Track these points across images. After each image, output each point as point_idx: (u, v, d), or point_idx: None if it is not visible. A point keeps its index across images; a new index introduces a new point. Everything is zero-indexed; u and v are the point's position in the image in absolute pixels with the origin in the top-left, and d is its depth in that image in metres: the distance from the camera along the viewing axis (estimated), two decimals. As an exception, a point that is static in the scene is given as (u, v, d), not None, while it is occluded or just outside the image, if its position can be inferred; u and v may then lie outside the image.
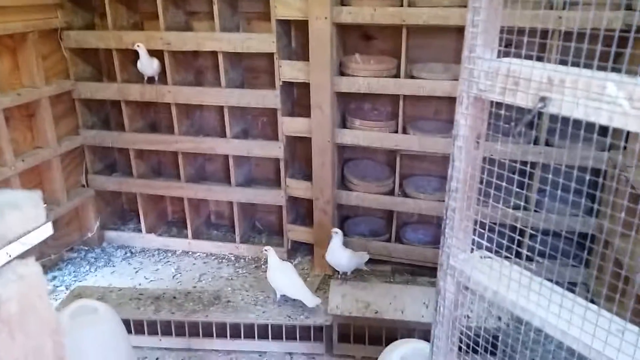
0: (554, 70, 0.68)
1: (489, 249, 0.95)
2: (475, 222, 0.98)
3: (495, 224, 0.93)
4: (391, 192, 2.60)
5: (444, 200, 2.36)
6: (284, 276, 2.17)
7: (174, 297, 2.25)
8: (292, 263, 2.77)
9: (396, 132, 2.46)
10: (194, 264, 2.85)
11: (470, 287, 0.88)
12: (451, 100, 2.46)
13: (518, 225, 1.11)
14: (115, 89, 2.71)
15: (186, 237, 2.96)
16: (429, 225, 2.76)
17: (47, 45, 2.57)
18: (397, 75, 2.39)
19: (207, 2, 2.57)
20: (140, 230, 3.02)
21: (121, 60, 2.69)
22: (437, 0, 2.20)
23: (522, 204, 2.26)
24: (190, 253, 2.94)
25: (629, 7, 1.90)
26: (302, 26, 2.44)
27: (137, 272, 2.76)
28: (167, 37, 2.55)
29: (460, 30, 2.38)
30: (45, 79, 2.52)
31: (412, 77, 2.37)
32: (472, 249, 0.94)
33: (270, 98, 2.53)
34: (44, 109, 2.52)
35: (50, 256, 2.75)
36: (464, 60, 0.80)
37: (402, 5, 2.22)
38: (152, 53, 2.64)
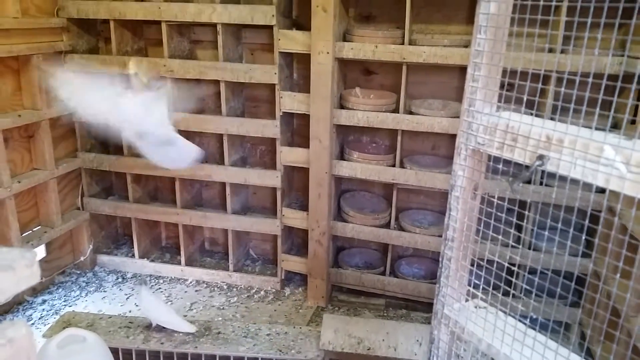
0: (553, 128, 0.69)
1: (481, 288, 0.95)
2: (472, 263, 0.98)
3: (484, 261, 0.93)
4: (387, 225, 2.59)
5: (439, 235, 2.35)
6: (156, 306, 2.16)
7: (164, 327, 2.22)
8: (284, 293, 2.76)
9: (393, 165, 2.47)
10: (185, 291, 2.82)
11: (464, 338, 0.87)
12: (449, 137, 2.49)
13: (505, 265, 1.11)
14: (116, 113, 2.72)
15: (179, 263, 2.93)
16: (424, 260, 2.75)
17: (50, 68, 2.59)
18: (396, 110, 2.41)
19: (211, 31, 2.61)
20: (133, 255, 3.00)
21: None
22: (437, 40, 2.24)
23: (511, 243, 2.26)
24: (182, 280, 2.91)
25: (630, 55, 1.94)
26: (304, 59, 2.47)
27: (128, 298, 2.72)
28: (170, 65, 2.57)
29: (459, 69, 2.43)
30: (47, 101, 2.54)
31: (411, 112, 2.39)
32: (467, 298, 0.93)
33: (270, 128, 2.55)
34: (44, 131, 2.53)
35: (41, 279, 2.71)
36: (463, 113, 0.81)
37: (403, 44, 2.25)
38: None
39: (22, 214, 2.52)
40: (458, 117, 2.27)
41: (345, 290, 2.74)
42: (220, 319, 2.56)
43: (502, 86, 0.84)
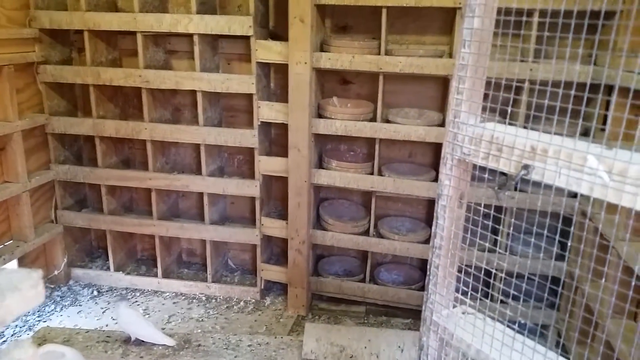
0: (537, 139, 0.72)
1: (464, 293, 0.97)
2: (460, 270, 1.00)
3: (469, 267, 0.95)
4: (366, 233, 2.62)
5: (417, 242, 2.38)
6: (134, 320, 2.15)
7: (142, 341, 2.18)
8: (264, 303, 2.75)
9: (372, 173, 2.50)
10: (163, 304, 2.78)
11: (453, 344, 0.89)
12: (425, 145, 2.54)
13: (481, 268, 1.14)
14: (90, 125, 2.68)
15: (155, 275, 2.89)
16: (403, 266, 2.78)
17: (22, 78, 2.54)
18: (373, 119, 2.45)
19: (188, 41, 2.60)
20: (108, 269, 2.94)
21: (98, 95, 2.67)
22: (413, 51, 2.28)
23: (488, 246, 2.31)
24: (159, 293, 2.87)
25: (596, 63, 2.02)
26: (281, 69, 2.49)
27: (104, 312, 2.67)
28: (145, 75, 2.55)
29: (434, 79, 2.49)
30: (19, 112, 2.48)
31: (388, 121, 2.43)
32: (455, 305, 0.95)
33: (247, 137, 2.55)
34: (16, 143, 2.47)
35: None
36: (449, 124, 0.83)
37: (379, 54, 2.29)
38: (129, 90, 2.64)
39: (-7, 228, 2.45)
40: (434, 125, 2.33)
41: (326, 298, 2.75)
42: (199, 331, 2.54)
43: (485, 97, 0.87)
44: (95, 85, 2.63)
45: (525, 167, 0.72)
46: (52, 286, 2.86)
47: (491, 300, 1.88)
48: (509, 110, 0.84)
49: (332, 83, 2.64)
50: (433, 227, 0.88)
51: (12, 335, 2.40)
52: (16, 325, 2.48)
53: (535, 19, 1.90)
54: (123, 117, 2.87)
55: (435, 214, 0.90)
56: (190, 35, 2.48)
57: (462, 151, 0.82)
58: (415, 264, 2.79)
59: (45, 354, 1.62)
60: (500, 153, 0.76)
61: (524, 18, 0.73)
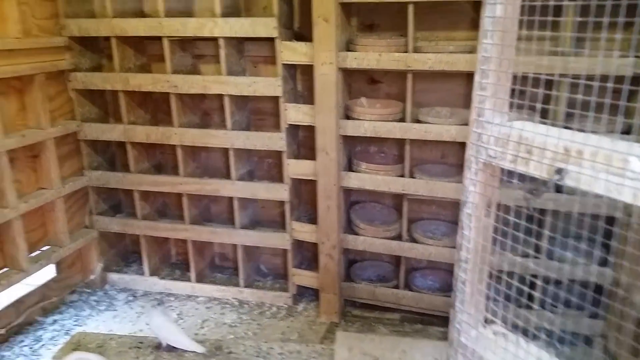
0: (571, 139, 0.64)
1: (500, 311, 0.89)
2: (490, 275, 0.92)
3: (502, 272, 0.87)
4: (399, 237, 2.53)
5: (453, 246, 2.28)
6: (166, 326, 2.16)
7: (174, 347, 2.18)
8: (296, 309, 2.71)
9: (402, 176, 2.42)
10: (196, 309, 2.77)
11: (483, 366, 0.81)
12: (458, 145, 2.43)
13: (517, 275, 1.04)
14: (121, 131, 2.70)
15: (189, 280, 2.89)
16: (439, 272, 2.68)
17: (53, 86, 2.58)
18: (403, 119, 2.36)
19: (214, 45, 2.58)
20: (143, 273, 2.96)
21: (127, 102, 2.69)
22: (442, 47, 2.19)
23: (522, 249, 2.19)
24: (193, 297, 2.87)
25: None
26: (308, 70, 2.43)
27: (138, 317, 2.68)
28: (173, 80, 2.55)
29: (466, 76, 2.38)
30: (51, 120, 2.52)
31: (418, 121, 2.34)
32: (484, 324, 0.87)
33: (275, 140, 2.51)
34: (49, 150, 2.51)
35: (52, 299, 2.69)
36: (472, 123, 0.76)
37: (407, 51, 2.21)
38: (159, 96, 2.66)
39: (30, 234, 2.50)
40: (466, 124, 2.23)
41: (359, 304, 2.68)
42: (232, 337, 2.51)
43: (512, 93, 0.79)
44: (124, 92, 2.65)
45: (559, 171, 0.63)
46: (89, 291, 2.90)
47: (528, 309, 1.76)
48: (539, 107, 0.76)
49: (360, 83, 2.57)
50: (458, 238, 0.81)
51: (50, 339, 2.44)
52: (53, 330, 2.52)
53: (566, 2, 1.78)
54: (154, 122, 2.88)
55: (460, 224, 0.82)
56: (215, 39, 2.46)
57: (488, 153, 0.75)
58: (451, 269, 2.68)
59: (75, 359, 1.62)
60: (530, 155, 0.68)
61: (552, 2, 0.65)
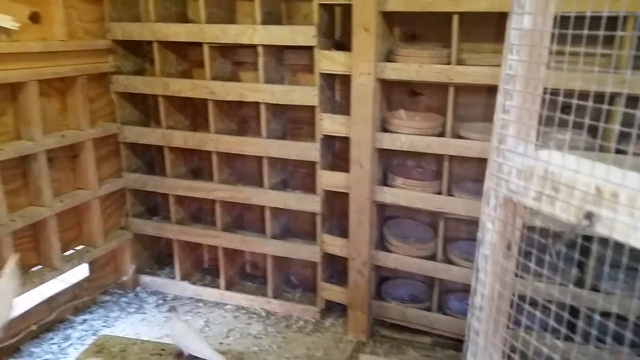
0: (605, 177, 0.54)
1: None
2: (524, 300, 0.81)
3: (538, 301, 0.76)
4: (433, 257, 2.41)
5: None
6: (187, 334, 2.15)
7: (195, 357, 2.14)
8: (324, 324, 2.63)
9: (440, 193, 2.30)
10: (224, 317, 2.74)
11: None
12: (502, 163, 2.28)
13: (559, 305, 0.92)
14: (160, 135, 2.72)
15: (219, 287, 2.87)
16: (475, 295, 2.53)
17: (95, 88, 2.63)
18: (442, 134, 2.25)
19: (253, 53, 2.55)
20: (174, 277, 2.97)
21: (167, 106, 2.71)
22: (487, 60, 2.07)
23: (560, 280, 2.02)
24: (221, 305, 2.84)
25: None
26: (346, 80, 2.36)
27: (166, 321, 2.68)
28: (212, 87, 2.54)
29: (513, 90, 2.24)
30: (92, 121, 2.57)
31: (459, 136, 2.22)
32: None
33: (309, 150, 2.45)
34: (88, 151, 2.56)
35: (83, 298, 2.73)
36: (493, 151, 0.66)
37: (449, 64, 2.10)
38: (198, 102, 2.66)
39: (65, 233, 2.54)
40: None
41: (389, 324, 2.57)
42: (256, 349, 2.46)
43: (562, 109, 0.68)
44: (164, 96, 2.67)
45: (588, 215, 0.53)
46: (120, 292, 2.93)
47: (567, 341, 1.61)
48: (568, 138, 0.65)
49: (400, 95, 2.48)
50: (472, 281, 0.71)
51: (78, 338, 2.47)
52: (82, 329, 2.55)
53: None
54: (192, 128, 2.89)
55: (475, 265, 0.73)
56: (255, 47, 2.43)
57: (509, 187, 0.65)
58: (488, 293, 2.53)
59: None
60: (557, 193, 0.58)
61: (589, 13, 0.56)
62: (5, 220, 2.13)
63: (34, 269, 2.40)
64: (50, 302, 2.52)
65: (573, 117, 0.66)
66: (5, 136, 2.20)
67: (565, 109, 0.72)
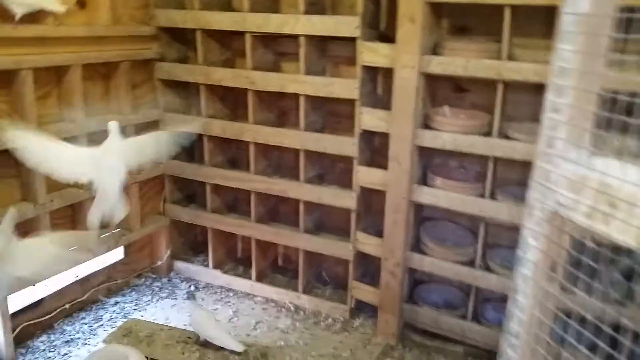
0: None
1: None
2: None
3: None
4: (471, 263, 2.30)
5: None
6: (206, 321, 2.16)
7: (221, 347, 2.13)
8: (353, 324, 2.57)
9: (483, 196, 2.19)
10: (252, 308, 2.73)
11: None
12: (551, 168, 2.14)
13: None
14: (200, 123, 2.71)
15: (250, 278, 2.86)
16: (514, 305, 2.40)
17: (138, 74, 2.65)
18: (489, 134, 2.13)
19: (295, 43, 2.50)
20: (207, 265, 2.97)
21: (208, 95, 2.70)
22: (540, 56, 1.93)
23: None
24: (251, 296, 2.83)
25: None
26: (389, 73, 2.27)
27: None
28: (252, 76, 2.51)
29: (568, 90, 2.09)
30: (133, 107, 2.59)
31: (507, 137, 2.10)
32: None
33: (347, 145, 2.38)
34: (128, 136, 2.57)
35: (117, 280, 2.77)
36: (539, 155, 0.58)
37: (499, 59, 1.98)
38: (239, 91, 2.63)
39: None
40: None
41: (420, 329, 2.47)
42: (282, 343, 2.43)
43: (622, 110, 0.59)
44: (205, 85, 2.66)
45: (651, 238, 0.45)
46: (154, 276, 2.96)
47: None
48: (630, 145, 0.56)
49: (444, 90, 2.37)
50: (509, 304, 0.63)
51: (108, 320, 2.51)
52: (114, 311, 2.59)
53: None
54: (232, 117, 2.87)
55: (513, 286, 0.64)
56: (297, 37, 2.38)
57: (557, 199, 0.56)
58: (529, 304, 2.40)
59: (108, 352, 1.61)
60: (614, 210, 0.49)
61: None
62: (44, 200, 2.17)
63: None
64: (84, 283, 2.57)
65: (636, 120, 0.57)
66: (48, 118, 2.24)
67: (627, 109, 0.63)
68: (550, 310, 0.63)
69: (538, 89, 2.11)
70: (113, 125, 1.83)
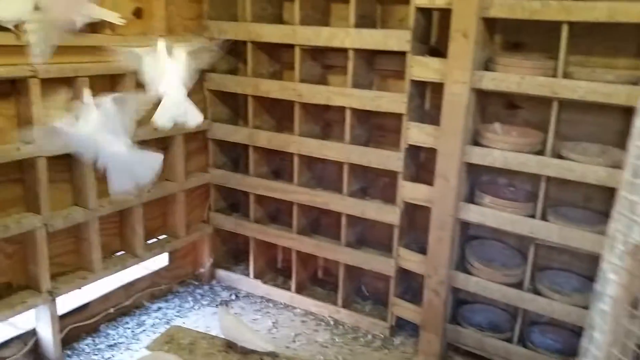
0: None
1: None
2: None
3: None
4: (519, 285, 2.22)
5: (584, 307, 1.93)
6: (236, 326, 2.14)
7: (261, 359, 2.13)
8: (393, 342, 2.53)
9: (533, 216, 2.12)
10: (292, 320, 2.72)
11: None
12: (606, 189, 2.06)
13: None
14: (246, 134, 2.75)
15: (289, 289, 2.85)
16: (562, 331, 2.31)
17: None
18: (541, 152, 2.07)
19: (344, 56, 2.51)
20: (248, 274, 2.99)
21: (255, 106, 2.73)
22: (599, 75, 1.87)
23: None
24: (290, 307, 2.82)
25: None
26: (438, 88, 2.24)
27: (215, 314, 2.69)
28: (299, 89, 2.53)
29: (625, 110, 2.01)
30: (184, 116, 2.64)
31: (560, 156, 2.03)
32: None
33: (392, 160, 2.36)
34: (177, 145, 2.63)
35: (160, 286, 2.82)
36: (624, 185, 0.55)
37: (555, 76, 1.92)
38: (286, 103, 2.66)
39: (149, 222, 2.63)
40: (619, 167, 1.87)
41: (463, 351, 2.40)
42: (321, 357, 2.41)
43: None
44: (253, 96, 2.70)
45: None
46: (196, 283, 3.00)
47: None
48: None
49: (496, 107, 2.32)
50: (583, 339, 0.60)
51: (151, 325, 2.55)
52: (156, 317, 2.63)
53: None
54: (278, 128, 2.89)
55: (588, 321, 0.61)
56: (345, 50, 2.38)
57: (641, 230, 0.53)
58: (579, 331, 2.29)
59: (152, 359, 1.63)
60: None
61: None
62: (95, 205, 2.23)
63: (117, 254, 2.50)
64: (128, 288, 2.62)
65: None
66: (103, 124, 2.31)
67: None
68: (631, 349, 0.59)
69: (595, 108, 2.06)
70: (161, 45, 1.87)
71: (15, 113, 2.00)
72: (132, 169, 1.74)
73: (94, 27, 2.16)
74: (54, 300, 2.13)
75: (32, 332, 2.21)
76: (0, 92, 1.93)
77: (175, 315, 2.66)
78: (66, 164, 2.20)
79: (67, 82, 2.10)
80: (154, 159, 1.82)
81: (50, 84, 1.98)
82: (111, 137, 1.67)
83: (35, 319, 2.19)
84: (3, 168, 1.95)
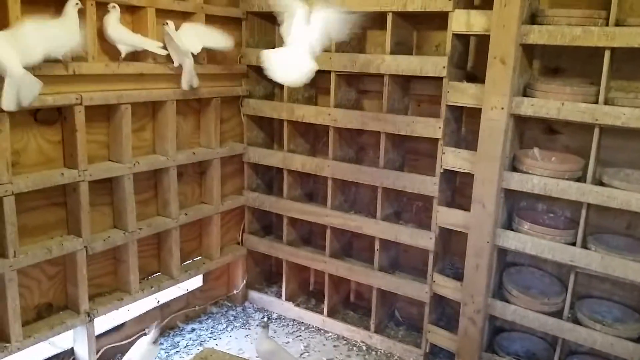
0: None
1: None
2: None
3: None
4: (559, 314, 2.17)
5: (626, 338, 1.87)
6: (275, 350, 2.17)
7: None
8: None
9: (574, 244, 2.07)
10: (323, 344, 2.70)
11: None
12: (651, 218, 2.01)
13: None
14: (281, 158, 2.79)
15: (321, 312, 2.84)
16: (604, 362, 2.23)
17: (228, 110, 2.78)
18: (582, 179, 2.03)
19: (379, 81, 2.53)
20: (280, 296, 3.00)
21: (290, 130, 2.77)
22: (641, 101, 1.84)
23: None
24: (322, 331, 2.81)
25: None
26: (475, 113, 2.24)
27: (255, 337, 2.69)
28: (334, 114, 2.56)
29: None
30: (221, 141, 2.70)
31: (602, 183, 1.99)
32: None
33: (427, 185, 2.35)
34: (214, 169, 2.68)
35: (195, 307, 2.85)
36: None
37: (596, 102, 1.90)
38: (320, 127, 2.68)
39: (186, 244, 2.67)
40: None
41: (499, 380, 2.35)
42: (353, 384, 2.38)
43: None
44: (288, 121, 2.74)
45: None
46: (229, 305, 3.02)
47: None
48: None
49: (534, 132, 2.30)
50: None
51: (184, 347, 2.57)
52: (190, 338, 2.65)
53: None
54: (312, 152, 2.93)
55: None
56: (381, 76, 2.41)
57: None
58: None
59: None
60: None
61: None
62: (134, 227, 2.28)
63: (153, 275, 2.55)
64: (163, 308, 2.66)
65: None
66: (142, 150, 2.38)
67: None
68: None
69: (637, 134, 2.02)
70: (300, 12, 2.04)
71: (59, 139, 2.06)
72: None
73: (137, 55, 2.23)
74: (91, 321, 2.18)
75: (70, 352, 2.25)
76: (47, 119, 2.00)
77: (209, 337, 2.68)
78: (107, 188, 2.26)
79: (110, 109, 2.17)
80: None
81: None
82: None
83: (72, 339, 2.24)
84: (47, 192, 2.01)
